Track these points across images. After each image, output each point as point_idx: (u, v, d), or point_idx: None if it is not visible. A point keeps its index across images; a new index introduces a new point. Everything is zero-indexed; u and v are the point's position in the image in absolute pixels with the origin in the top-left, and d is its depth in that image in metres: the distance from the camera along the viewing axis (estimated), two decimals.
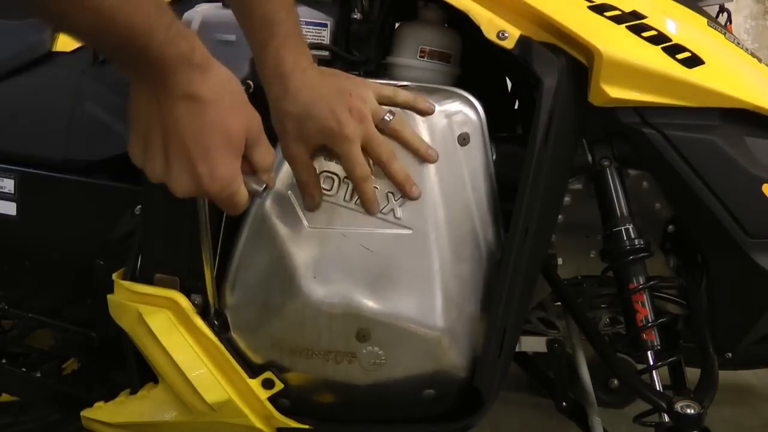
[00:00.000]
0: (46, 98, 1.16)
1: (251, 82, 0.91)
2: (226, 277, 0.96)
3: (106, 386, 1.17)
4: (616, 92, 0.94)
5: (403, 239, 0.93)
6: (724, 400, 1.53)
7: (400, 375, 0.97)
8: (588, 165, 1.05)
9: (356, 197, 0.92)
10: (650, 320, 1.03)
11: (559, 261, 1.15)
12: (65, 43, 1.14)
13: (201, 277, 0.94)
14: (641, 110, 0.97)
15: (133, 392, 1.05)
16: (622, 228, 1.03)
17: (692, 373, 1.06)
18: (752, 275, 1.03)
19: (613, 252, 1.05)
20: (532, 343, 1.30)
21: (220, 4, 0.99)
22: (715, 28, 1.05)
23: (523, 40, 0.95)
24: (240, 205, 0.75)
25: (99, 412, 1.06)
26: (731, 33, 1.08)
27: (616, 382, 1.66)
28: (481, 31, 0.95)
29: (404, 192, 0.92)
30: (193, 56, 0.67)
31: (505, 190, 0.96)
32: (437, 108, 0.93)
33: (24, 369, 1.25)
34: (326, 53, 0.99)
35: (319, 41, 0.98)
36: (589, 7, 0.96)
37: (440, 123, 0.93)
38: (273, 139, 0.82)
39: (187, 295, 0.96)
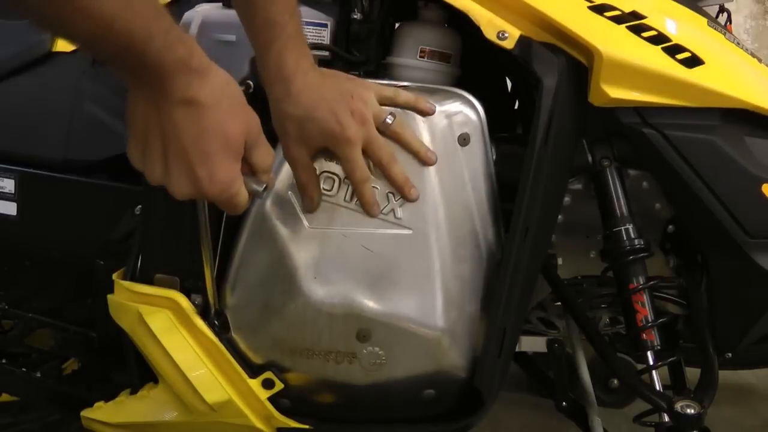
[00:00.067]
0: (46, 98, 1.15)
1: (251, 82, 0.91)
2: (226, 278, 0.96)
3: (106, 386, 1.17)
4: (616, 92, 0.94)
5: (403, 239, 0.93)
6: (724, 400, 1.54)
7: (401, 375, 0.97)
8: (588, 165, 1.05)
9: (357, 198, 0.92)
10: (650, 320, 1.03)
11: (559, 261, 1.15)
12: (65, 43, 1.14)
13: (201, 277, 0.93)
14: (641, 110, 0.97)
15: (133, 392, 1.05)
16: (622, 228, 1.03)
17: (692, 373, 1.06)
18: (752, 275, 1.03)
19: (613, 252, 1.05)
20: (532, 343, 1.30)
21: (220, 4, 0.99)
22: (715, 28, 1.05)
23: (523, 41, 0.95)
24: (240, 206, 0.75)
25: (99, 412, 1.06)
26: (731, 33, 1.08)
27: (616, 382, 1.65)
28: (481, 31, 0.95)
29: (403, 194, 0.92)
30: (191, 61, 0.67)
31: (505, 190, 0.96)
32: (438, 108, 0.93)
33: (24, 369, 1.25)
34: (326, 53, 0.99)
35: (320, 41, 0.98)
36: (589, 8, 0.96)
37: (440, 123, 0.93)
38: (273, 140, 0.82)
39: (188, 295, 0.96)
